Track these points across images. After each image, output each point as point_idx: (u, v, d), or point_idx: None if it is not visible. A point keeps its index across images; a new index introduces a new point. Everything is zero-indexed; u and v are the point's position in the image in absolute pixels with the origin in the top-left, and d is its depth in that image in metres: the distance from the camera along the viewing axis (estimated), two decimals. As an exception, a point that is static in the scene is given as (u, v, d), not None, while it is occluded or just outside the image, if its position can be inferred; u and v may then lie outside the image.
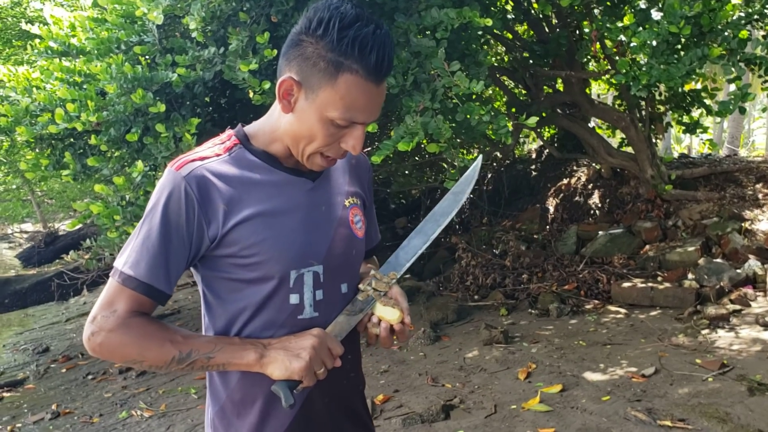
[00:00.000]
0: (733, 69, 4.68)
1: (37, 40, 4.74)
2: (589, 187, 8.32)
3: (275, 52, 4.12)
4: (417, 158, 8.91)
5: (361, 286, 1.42)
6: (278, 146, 1.32)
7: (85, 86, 4.47)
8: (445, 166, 8.94)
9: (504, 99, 8.86)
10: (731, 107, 4.75)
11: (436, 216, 1.52)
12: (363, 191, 1.51)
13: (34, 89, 4.75)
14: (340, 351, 1.31)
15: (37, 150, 5.27)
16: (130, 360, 1.26)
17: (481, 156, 1.70)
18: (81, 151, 5.03)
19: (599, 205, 7.94)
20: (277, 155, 1.33)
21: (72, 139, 5.10)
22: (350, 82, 1.18)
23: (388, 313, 1.38)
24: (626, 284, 5.86)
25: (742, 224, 6.28)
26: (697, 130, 7.22)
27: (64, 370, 6.56)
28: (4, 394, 6.01)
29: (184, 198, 1.24)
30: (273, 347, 1.28)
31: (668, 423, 3.38)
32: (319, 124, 1.23)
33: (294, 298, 1.32)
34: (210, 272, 1.33)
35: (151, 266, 1.24)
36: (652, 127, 7.40)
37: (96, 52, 4.53)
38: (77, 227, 6.93)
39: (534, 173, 9.70)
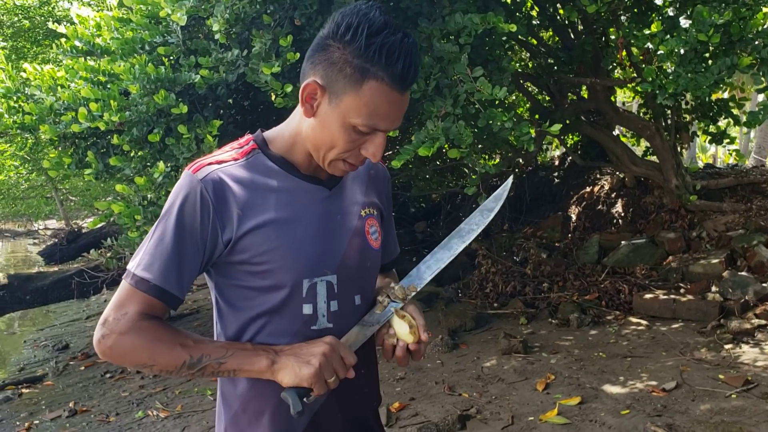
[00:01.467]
0: (763, 79, 4.60)
1: (63, 39, 4.77)
2: (612, 195, 8.23)
3: (298, 55, 4.11)
4: (438, 163, 8.87)
5: (379, 297, 1.39)
6: (298, 151, 1.31)
7: (108, 86, 4.49)
8: (466, 171, 8.90)
9: (527, 105, 8.81)
10: (760, 117, 4.66)
11: (462, 232, 1.48)
12: (381, 202, 1.49)
13: (59, 88, 4.79)
14: (353, 360, 1.28)
15: (60, 148, 5.31)
16: (140, 364, 1.25)
17: (512, 176, 1.66)
18: (103, 150, 5.06)
19: (622, 215, 7.85)
20: (296, 161, 1.31)
21: (95, 139, 5.13)
22: (375, 89, 1.17)
23: (403, 330, 1.35)
24: (648, 295, 5.77)
25: (769, 237, 6.16)
26: (724, 140, 7.11)
27: (82, 368, 6.61)
28: (23, 390, 6.06)
29: (200, 201, 1.23)
30: (284, 353, 1.25)
31: (690, 440, 3.31)
32: (341, 129, 1.21)
33: (307, 308, 1.30)
34: (222, 279, 1.32)
35: (164, 269, 1.23)
36: (678, 136, 7.30)
37: (120, 52, 4.56)
38: (99, 226, 6.97)
39: (556, 180, 9.62)
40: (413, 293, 1.41)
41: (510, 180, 1.58)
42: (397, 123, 1.24)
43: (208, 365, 1.23)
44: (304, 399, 1.24)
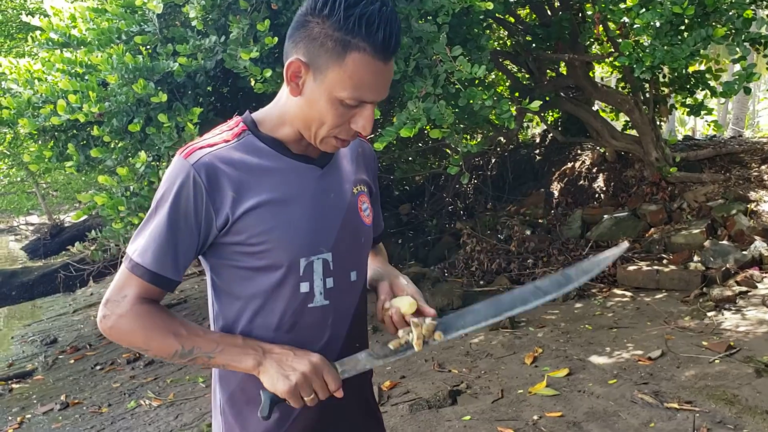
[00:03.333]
0: (737, 49, 4.64)
1: (37, 32, 4.72)
2: (594, 170, 8.30)
3: (276, 39, 4.10)
4: (420, 144, 8.88)
5: (400, 332, 1.33)
6: (287, 131, 1.31)
7: (86, 77, 4.45)
8: (449, 152, 8.92)
9: (507, 83, 8.82)
10: (736, 88, 4.72)
11: (525, 294, 1.34)
12: (370, 179, 1.50)
13: (36, 81, 4.74)
14: (335, 387, 1.29)
15: (40, 142, 5.26)
16: (136, 347, 1.29)
17: (626, 243, 1.50)
18: (84, 142, 5.03)
19: (604, 189, 7.92)
20: (285, 141, 1.32)
21: (75, 131, 5.09)
22: (358, 61, 1.17)
23: (403, 302, 1.35)
24: (632, 267, 5.85)
25: (748, 206, 6.26)
26: (702, 112, 7.18)
27: (72, 361, 6.60)
28: (14, 386, 6.05)
29: (193, 186, 1.24)
30: (271, 356, 1.26)
31: (675, 405, 3.38)
32: (328, 105, 1.21)
33: (304, 287, 1.32)
34: (218, 260, 1.33)
35: (158, 255, 1.25)
36: (657, 109, 7.36)
37: (97, 42, 4.51)
38: (82, 219, 6.94)
39: (538, 158, 9.67)
40: (437, 341, 1.32)
41: (624, 245, 1.43)
42: (383, 93, 1.24)
43: (198, 357, 1.26)
44: (278, 404, 1.27)
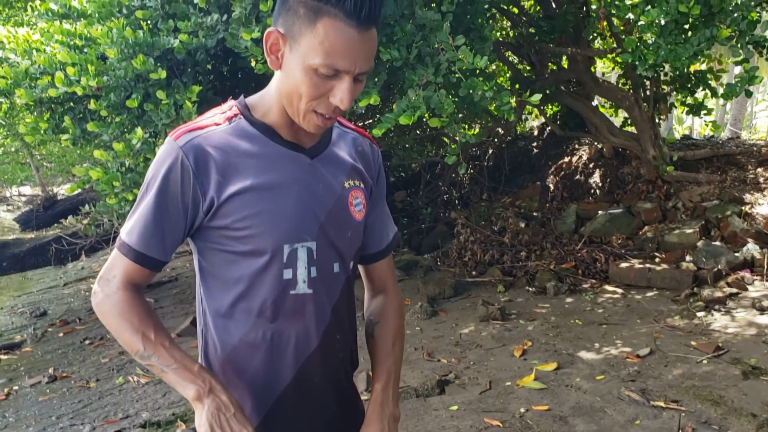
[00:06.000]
0: (741, 51, 4.63)
1: (37, 2, 4.68)
2: (590, 166, 8.30)
3: (279, 20, 4.07)
4: (418, 132, 8.87)
5: None
6: (275, 113, 1.30)
7: (85, 50, 4.42)
8: (446, 140, 8.90)
9: (508, 75, 8.79)
10: (737, 90, 4.71)
11: None
12: (371, 177, 1.48)
13: (34, 52, 4.70)
14: None
15: (36, 113, 5.22)
16: (109, 330, 1.33)
17: None
18: (81, 115, 4.99)
19: (600, 185, 7.93)
20: (276, 126, 1.31)
21: (72, 104, 5.06)
22: (329, 26, 1.15)
23: None
24: (624, 264, 5.86)
25: (742, 208, 6.27)
26: (701, 112, 7.17)
27: (61, 335, 6.59)
28: (2, 357, 6.04)
29: (180, 168, 1.24)
30: (214, 399, 1.25)
31: (662, 404, 3.40)
32: (302, 74, 1.19)
33: (287, 273, 1.32)
34: (205, 244, 1.34)
35: (145, 235, 1.27)
36: (656, 107, 7.36)
37: (97, 15, 4.48)
38: (76, 192, 6.90)
39: (535, 150, 9.66)
40: None
41: None
42: (362, 65, 1.21)
43: (154, 365, 1.28)
44: None
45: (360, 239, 1.46)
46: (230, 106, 1.34)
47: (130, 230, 1.29)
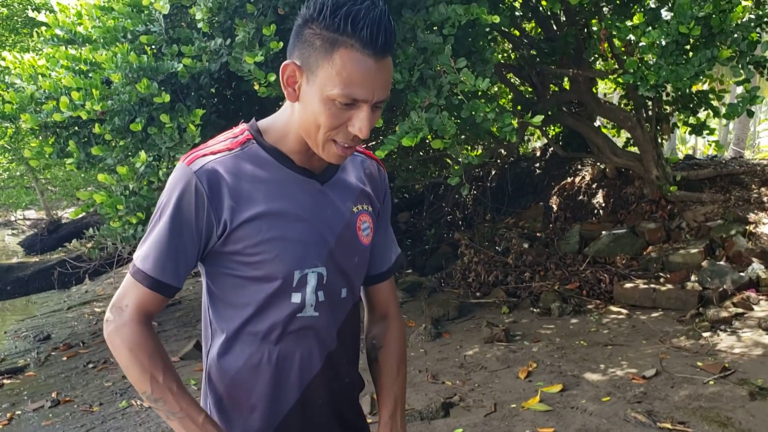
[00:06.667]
0: (742, 71, 4.65)
1: (43, 28, 4.73)
2: (593, 186, 8.29)
3: (281, 44, 4.10)
4: (421, 153, 8.89)
5: None
6: (290, 141, 1.30)
7: (90, 75, 4.46)
8: (449, 162, 8.92)
9: (510, 96, 8.83)
10: (739, 110, 4.72)
11: None
12: (378, 200, 1.49)
13: (40, 77, 4.75)
14: None
15: (41, 138, 5.26)
16: (120, 365, 1.31)
17: None
18: (85, 139, 5.02)
19: (603, 205, 7.92)
20: (289, 151, 1.31)
21: (76, 128, 5.09)
22: (345, 56, 1.16)
23: None
24: (628, 285, 5.84)
25: (747, 227, 6.25)
26: (704, 132, 7.19)
27: (64, 358, 6.57)
28: (5, 381, 6.02)
29: (194, 193, 1.24)
30: None
31: (668, 426, 3.37)
32: (321, 105, 1.19)
33: (296, 297, 1.32)
34: (215, 268, 1.34)
35: (160, 261, 1.26)
36: (659, 127, 7.37)
37: (102, 40, 4.52)
38: (80, 216, 6.93)
39: (538, 171, 9.67)
40: None
41: None
42: (379, 93, 1.21)
43: (160, 409, 1.27)
44: None
45: (366, 264, 1.47)
46: (242, 130, 1.34)
47: (144, 256, 1.27)
